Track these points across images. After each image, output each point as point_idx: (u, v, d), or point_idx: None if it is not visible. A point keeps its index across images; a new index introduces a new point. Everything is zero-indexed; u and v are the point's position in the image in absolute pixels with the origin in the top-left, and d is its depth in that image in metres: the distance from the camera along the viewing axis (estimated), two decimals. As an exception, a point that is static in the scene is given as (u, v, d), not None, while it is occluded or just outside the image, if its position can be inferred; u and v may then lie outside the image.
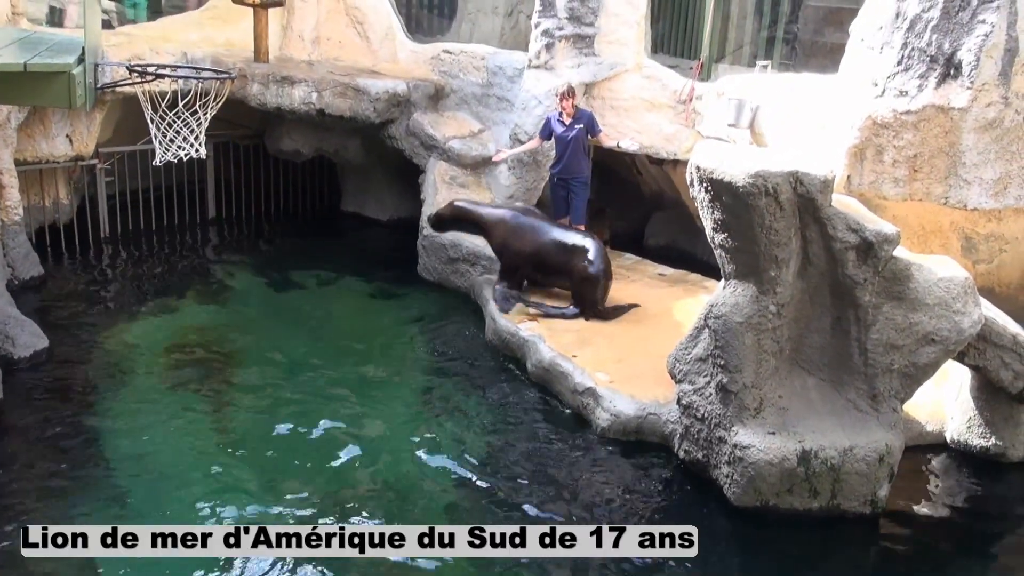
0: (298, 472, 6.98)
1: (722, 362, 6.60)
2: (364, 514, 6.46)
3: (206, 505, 6.46)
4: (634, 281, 10.17)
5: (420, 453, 7.30)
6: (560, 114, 10.00)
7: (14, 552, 5.74)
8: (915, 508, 7.02)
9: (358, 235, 12.94)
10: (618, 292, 9.75)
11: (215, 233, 12.87)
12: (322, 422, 7.71)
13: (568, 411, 8.00)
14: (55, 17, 11.67)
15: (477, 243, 10.66)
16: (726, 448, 6.65)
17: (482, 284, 10.15)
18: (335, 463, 7.10)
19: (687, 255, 11.47)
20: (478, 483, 6.94)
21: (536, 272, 9.65)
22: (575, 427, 7.78)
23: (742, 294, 6.54)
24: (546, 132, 10.20)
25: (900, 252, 6.43)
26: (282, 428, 7.59)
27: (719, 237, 6.60)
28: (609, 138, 10.29)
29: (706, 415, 6.84)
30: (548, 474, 7.17)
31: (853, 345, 6.58)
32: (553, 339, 8.62)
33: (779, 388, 6.71)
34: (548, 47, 10.68)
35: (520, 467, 7.24)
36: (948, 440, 7.67)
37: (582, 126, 9.96)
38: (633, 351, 8.39)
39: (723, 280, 6.79)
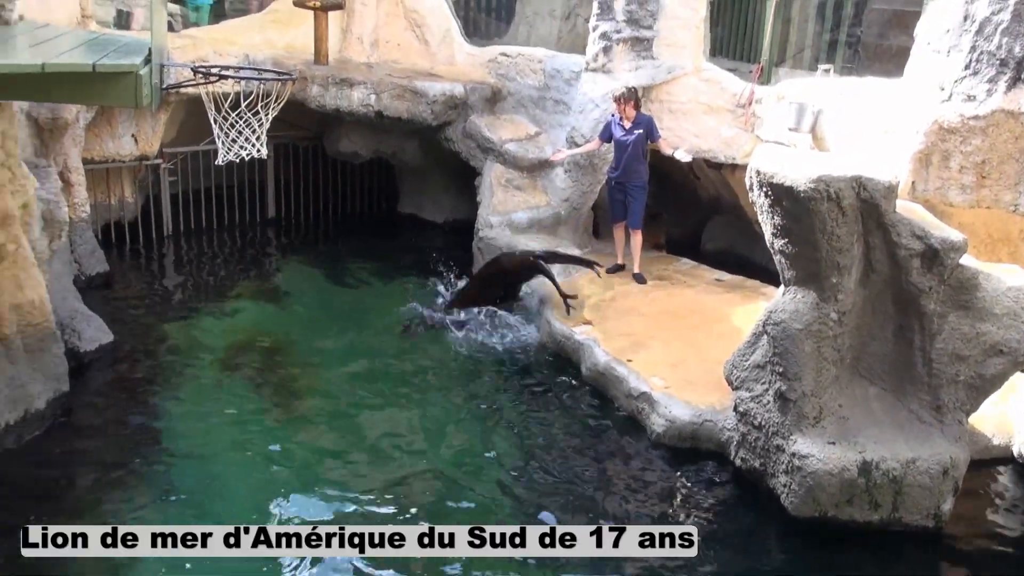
0: (355, 470, 7.01)
1: (781, 369, 6.48)
2: (415, 512, 6.47)
3: (262, 502, 6.51)
4: (691, 287, 10.07)
5: (471, 455, 7.29)
6: (620, 118, 9.93)
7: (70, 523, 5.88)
8: (979, 524, 6.81)
9: (415, 236, 13.02)
10: (674, 298, 9.68)
11: (274, 232, 13.04)
12: (379, 422, 7.76)
13: (623, 416, 7.92)
14: (122, 20, 11.93)
15: (531, 246, 10.64)
16: (784, 457, 6.53)
17: (536, 286, 10.11)
18: (390, 462, 7.12)
19: (745, 260, 11.34)
20: (529, 487, 6.91)
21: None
22: (629, 432, 7.71)
23: (802, 300, 6.41)
24: (606, 134, 10.13)
25: (967, 260, 6.25)
26: (339, 427, 7.65)
27: (779, 243, 6.49)
28: (667, 145, 10.13)
29: (764, 423, 6.73)
30: (601, 480, 7.12)
31: (917, 355, 6.42)
32: (608, 343, 8.56)
33: (839, 397, 6.57)
34: (606, 50, 10.61)
35: (573, 472, 7.18)
36: (1016, 455, 7.44)
37: (641, 131, 9.86)
38: (689, 356, 8.29)
39: (782, 286, 6.67)
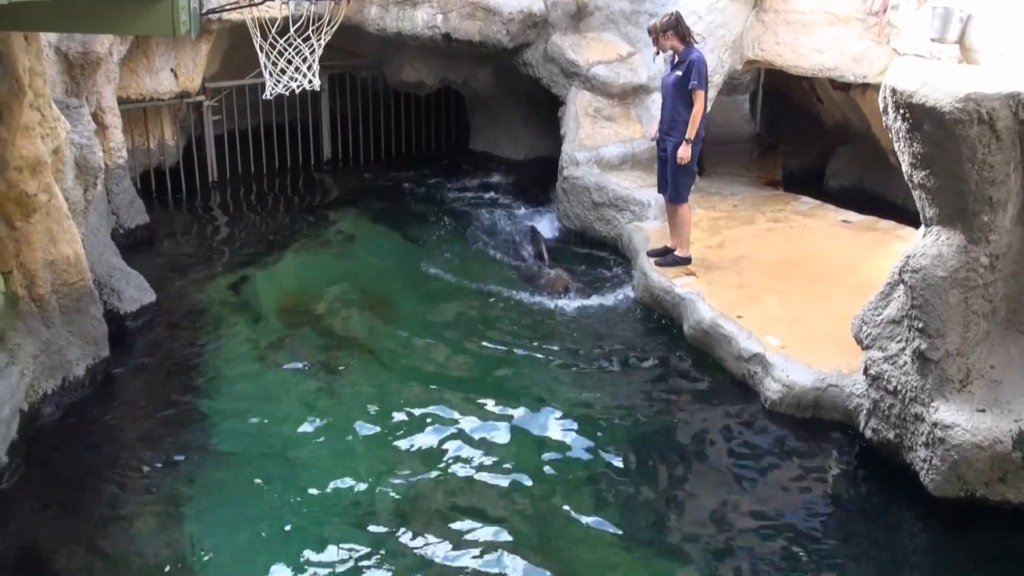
0: (415, 440, 7.13)
1: (920, 325, 6.33)
2: (487, 483, 6.58)
3: (305, 468, 6.73)
4: (812, 229, 9.91)
5: (560, 427, 7.31)
6: (672, 53, 9.16)
7: (116, 498, 6.32)
8: None
9: (489, 177, 13.06)
10: (793, 243, 9.55)
11: (330, 176, 13.25)
12: (458, 388, 7.86)
13: (731, 380, 7.87)
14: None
15: (625, 184, 10.60)
16: (924, 427, 6.40)
17: (631, 232, 10.06)
18: (461, 428, 7.22)
19: (877, 198, 11.11)
20: (623, 462, 6.91)
21: None
22: (739, 399, 7.66)
23: (946, 243, 6.23)
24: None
25: None
26: (401, 390, 7.78)
27: (919, 175, 6.30)
28: (701, 102, 8.93)
29: (900, 388, 6.60)
30: (705, 454, 7.10)
31: (1087, 306, 6.20)
32: (714, 297, 8.49)
33: (991, 356, 6.38)
34: (709, -50, 10.33)
35: (673, 445, 7.18)
36: None
37: (680, 73, 8.97)
38: (810, 311, 8.17)
39: (923, 227, 6.50)
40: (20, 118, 6.92)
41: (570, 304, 9.29)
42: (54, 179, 7.46)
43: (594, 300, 9.36)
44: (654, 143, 9.60)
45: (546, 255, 10.35)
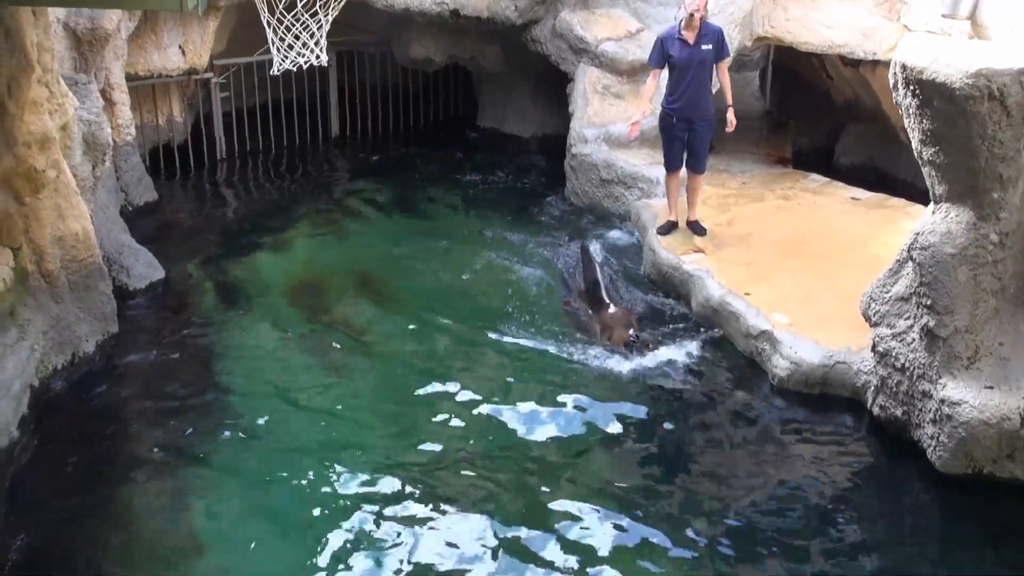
0: (424, 416, 7.17)
1: (929, 302, 6.34)
2: (492, 464, 6.64)
3: (315, 446, 6.79)
4: (821, 207, 9.89)
5: (567, 402, 7.34)
6: (678, 31, 8.99)
7: (126, 474, 6.37)
8: None
9: (497, 154, 13.03)
10: (802, 220, 9.53)
11: (338, 152, 13.25)
12: (453, 361, 7.91)
13: (739, 358, 7.88)
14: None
15: (634, 162, 10.58)
16: (931, 404, 6.42)
17: (640, 209, 10.06)
18: (465, 407, 7.25)
19: (887, 176, 11.07)
20: (632, 440, 6.96)
21: None
22: (747, 377, 7.68)
23: (956, 220, 6.23)
24: (659, 59, 9.13)
25: None
26: (407, 368, 7.82)
27: (929, 152, 6.28)
28: (726, 72, 9.17)
29: (908, 365, 6.61)
30: (712, 432, 7.12)
31: (1096, 283, 6.20)
32: (723, 274, 8.48)
33: (999, 334, 6.39)
34: (721, -78, 10.22)
35: (680, 423, 7.21)
36: None
37: (710, 47, 8.89)
38: (819, 289, 8.16)
39: (932, 204, 6.48)
40: (28, 93, 6.94)
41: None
42: (62, 155, 7.48)
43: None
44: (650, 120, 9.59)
45: (603, 286, 8.88)
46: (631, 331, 8.02)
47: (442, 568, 5.70)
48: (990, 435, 6.21)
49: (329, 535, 5.93)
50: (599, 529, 6.03)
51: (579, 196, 11.02)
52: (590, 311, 8.61)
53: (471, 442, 6.91)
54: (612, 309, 8.52)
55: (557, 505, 6.21)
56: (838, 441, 6.99)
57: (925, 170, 6.44)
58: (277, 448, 6.78)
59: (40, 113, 7.15)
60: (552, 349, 8.02)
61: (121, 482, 6.42)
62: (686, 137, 9.21)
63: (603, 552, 5.86)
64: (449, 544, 5.88)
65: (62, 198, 7.44)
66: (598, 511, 6.16)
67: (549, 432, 7.00)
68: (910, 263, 6.53)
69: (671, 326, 8.37)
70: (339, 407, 7.33)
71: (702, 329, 8.21)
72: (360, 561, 5.73)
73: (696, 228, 9.33)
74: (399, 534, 5.95)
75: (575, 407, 7.27)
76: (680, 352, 7.91)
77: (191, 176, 12.10)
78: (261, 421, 7.08)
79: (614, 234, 10.28)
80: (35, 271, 7.31)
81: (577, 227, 10.51)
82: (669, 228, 9.39)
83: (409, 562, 5.73)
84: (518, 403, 7.31)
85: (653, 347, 7.92)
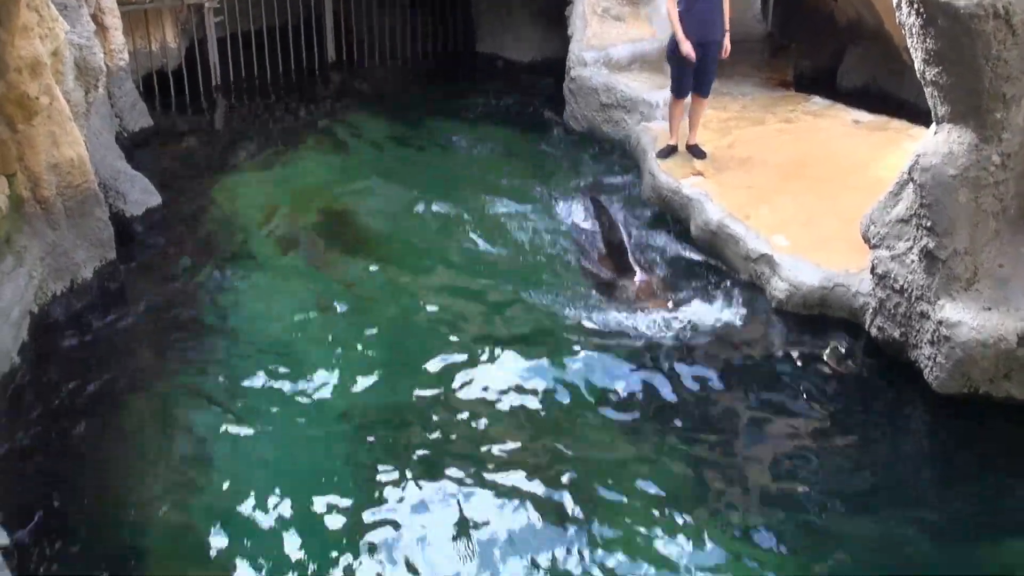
0: (425, 349, 7.15)
1: (929, 223, 6.31)
2: (503, 399, 6.61)
3: (317, 376, 6.79)
4: (823, 130, 9.82)
5: (564, 332, 7.35)
6: None
7: (127, 401, 6.43)
8: None
9: (495, 79, 12.93)
10: (803, 143, 9.46)
11: (335, 79, 13.11)
12: (453, 292, 7.91)
13: (739, 281, 7.88)
14: None
15: (633, 86, 10.48)
16: (929, 325, 6.43)
17: (640, 133, 9.98)
18: (467, 338, 7.26)
19: (890, 98, 10.96)
20: (632, 371, 6.96)
21: None
22: (747, 300, 7.66)
23: (958, 141, 6.17)
24: None
25: None
26: (407, 298, 7.82)
27: (932, 72, 6.20)
28: None
29: (906, 286, 6.61)
30: (712, 354, 7.14)
31: (1098, 203, 6.17)
32: (723, 197, 8.45)
33: (999, 255, 6.37)
34: None
35: (679, 346, 7.22)
36: None
37: None
38: (820, 212, 8.13)
39: (934, 125, 6.43)
40: (18, 19, 6.84)
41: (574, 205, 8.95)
42: (54, 81, 7.40)
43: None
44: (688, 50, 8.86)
45: (628, 247, 8.32)
46: (670, 303, 7.58)
47: (446, 505, 5.69)
48: (987, 356, 6.22)
49: (331, 455, 6.02)
50: (596, 437, 6.15)
51: (578, 120, 10.94)
52: (615, 277, 8.03)
53: (474, 366, 6.91)
54: (642, 276, 7.98)
55: (561, 433, 6.27)
56: (835, 362, 6.98)
57: (928, 91, 6.37)
58: (278, 373, 6.81)
59: (31, 38, 7.05)
60: (573, 312, 7.55)
61: (123, 405, 6.48)
62: (700, 61, 8.92)
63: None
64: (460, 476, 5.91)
65: (56, 124, 7.37)
66: (598, 423, 6.29)
67: (553, 364, 7.01)
68: (911, 185, 6.49)
69: (702, 282, 7.94)
70: (341, 332, 7.34)
71: (737, 290, 7.74)
72: (357, 482, 5.82)
73: (696, 152, 9.26)
74: (395, 459, 5.99)
75: (575, 342, 7.30)
76: (715, 315, 7.47)
77: (186, 102, 12.00)
78: (261, 346, 7.11)
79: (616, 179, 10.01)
80: (30, 198, 7.27)
81: (578, 162, 10.38)
82: (669, 152, 9.32)
83: (414, 484, 5.78)
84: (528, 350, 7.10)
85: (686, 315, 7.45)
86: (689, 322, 7.36)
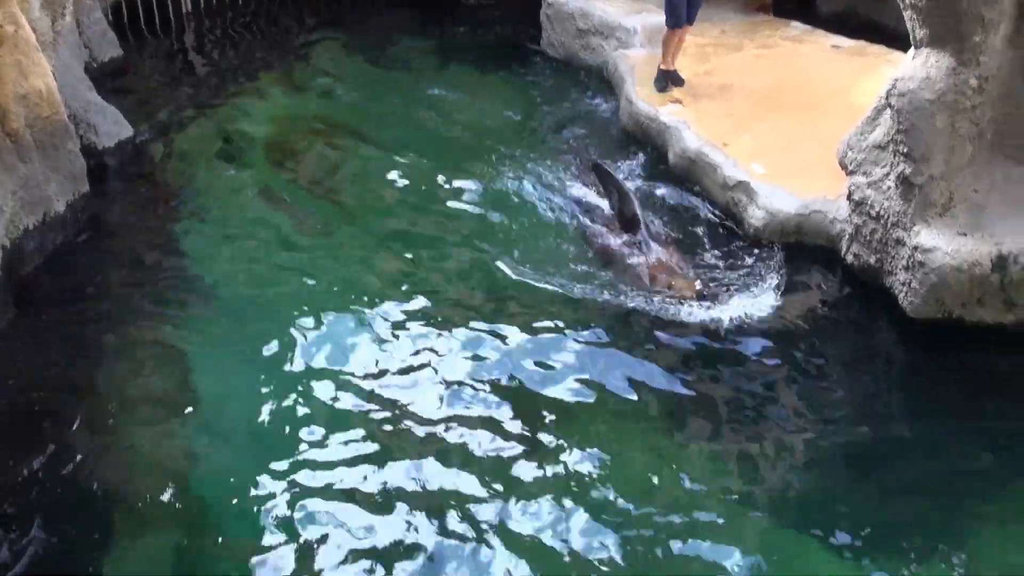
0: (404, 273, 7.19)
1: (906, 149, 6.31)
2: (467, 313, 6.69)
3: (293, 301, 6.82)
4: (802, 56, 9.74)
5: (544, 253, 7.37)
6: None
7: (104, 335, 6.44)
8: None
9: (470, 5, 12.72)
10: (782, 70, 9.40)
11: (307, 5, 12.86)
12: (429, 217, 7.90)
13: (716, 210, 7.88)
14: None
15: (610, 11, 10.35)
16: (904, 251, 6.47)
17: (617, 60, 9.89)
18: (445, 263, 7.28)
19: (869, 23, 10.86)
20: (609, 294, 7.00)
21: None
22: (724, 228, 7.69)
23: (935, 65, 6.15)
24: None
25: None
26: (385, 227, 7.81)
27: (910, -6, 6.17)
28: None
29: (882, 212, 6.62)
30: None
31: (1075, 127, 6.19)
32: (701, 125, 8.42)
33: (975, 181, 6.40)
34: None
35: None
36: None
37: None
38: (797, 139, 8.12)
39: (912, 49, 6.39)
40: (-21, -56, 6.69)
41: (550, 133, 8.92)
42: (19, 9, 7.25)
43: (573, 130, 8.71)
44: None
45: (639, 215, 7.49)
46: (698, 283, 6.85)
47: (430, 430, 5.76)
48: (961, 280, 6.27)
49: (313, 385, 6.04)
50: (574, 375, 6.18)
51: (555, 48, 10.82)
52: (629, 251, 7.31)
53: (443, 305, 6.92)
54: (658, 250, 7.28)
55: (536, 369, 6.31)
56: (811, 287, 7.06)
57: (907, 14, 6.32)
58: (256, 304, 6.82)
59: (-7, -36, 6.91)
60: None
61: (100, 336, 6.49)
62: None
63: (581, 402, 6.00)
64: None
65: (22, 54, 7.24)
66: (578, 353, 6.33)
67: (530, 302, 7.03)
68: (888, 110, 6.47)
69: (723, 249, 7.47)
70: (316, 263, 7.33)
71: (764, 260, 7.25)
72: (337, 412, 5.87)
73: (674, 78, 9.19)
74: (372, 391, 6.03)
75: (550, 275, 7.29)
76: (756, 305, 6.74)
77: (157, 32, 11.78)
78: (237, 277, 7.11)
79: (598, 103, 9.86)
80: (-1, 130, 7.19)
81: (558, 91, 10.25)
82: (667, 80, 9.14)
83: (388, 418, 5.83)
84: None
85: (724, 298, 6.73)
86: (731, 319, 6.56)
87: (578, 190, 8.27)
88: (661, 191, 8.20)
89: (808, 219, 7.32)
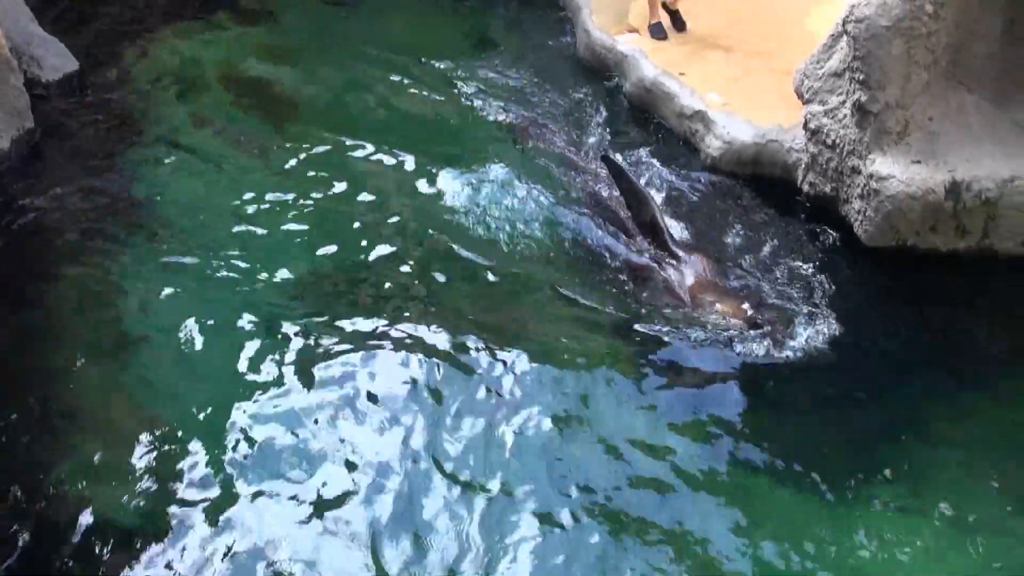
0: (351, 221, 7.09)
1: (862, 76, 6.32)
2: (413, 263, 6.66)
3: (242, 240, 6.80)
4: (760, -17, 9.65)
5: (498, 195, 7.30)
6: None
7: (49, 273, 6.35)
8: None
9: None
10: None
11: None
12: (379, 161, 7.77)
13: (673, 139, 7.87)
14: None
15: (566, -63, 10.19)
16: (860, 179, 6.51)
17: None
18: (386, 212, 7.18)
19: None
20: (570, 226, 7.00)
21: None
22: (681, 158, 7.70)
23: (892, -9, 6.15)
24: None
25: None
26: (333, 166, 7.68)
27: (867, -82, 6.13)
28: None
29: (838, 141, 6.65)
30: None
31: (1029, 53, 6.23)
32: (658, 54, 8.37)
33: (930, 108, 6.43)
34: None
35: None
36: None
37: None
38: (754, 68, 8.10)
39: (869, -26, 6.37)
40: None
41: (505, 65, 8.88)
42: (-46, -63, 7.02)
43: (527, 61, 8.75)
44: None
45: (662, 222, 6.68)
46: (750, 311, 6.01)
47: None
48: (915, 208, 6.34)
49: (260, 329, 6.03)
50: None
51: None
52: (653, 263, 6.58)
53: (407, 230, 6.93)
54: (692, 261, 6.48)
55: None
56: (768, 216, 7.08)
57: (863, -61, 6.30)
58: (203, 243, 6.73)
59: None
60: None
61: (47, 278, 6.39)
62: None
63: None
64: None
65: (-42, -15, 7.03)
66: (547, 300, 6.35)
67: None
68: (844, 37, 6.47)
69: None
70: (266, 200, 7.23)
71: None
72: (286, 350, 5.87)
73: (677, 22, 8.79)
74: (318, 334, 6.02)
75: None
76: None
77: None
78: (186, 214, 7.02)
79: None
80: (-64, 64, 6.99)
81: (517, 23, 10.06)
82: (661, 31, 8.75)
83: (340, 364, 5.83)
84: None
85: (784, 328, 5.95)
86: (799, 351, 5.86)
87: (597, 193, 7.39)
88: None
89: (765, 148, 7.33)
